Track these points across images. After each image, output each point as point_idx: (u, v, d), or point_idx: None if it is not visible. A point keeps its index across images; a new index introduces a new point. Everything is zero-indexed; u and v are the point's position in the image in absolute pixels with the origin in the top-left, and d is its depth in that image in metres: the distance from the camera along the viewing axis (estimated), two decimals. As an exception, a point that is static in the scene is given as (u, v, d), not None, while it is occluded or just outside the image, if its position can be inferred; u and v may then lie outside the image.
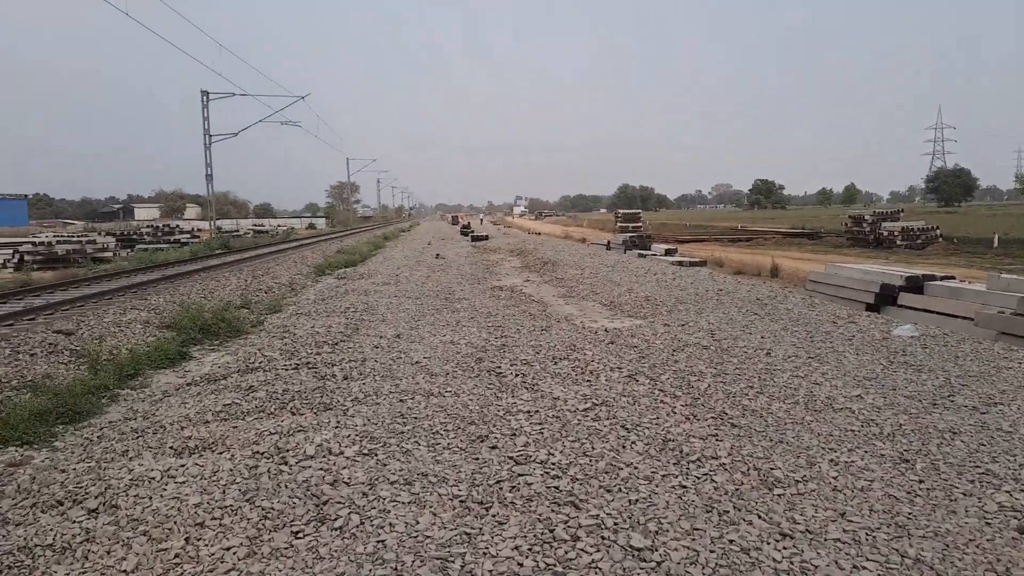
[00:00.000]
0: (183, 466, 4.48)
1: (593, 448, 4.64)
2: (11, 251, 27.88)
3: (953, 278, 10.95)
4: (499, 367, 7.04)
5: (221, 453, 4.72)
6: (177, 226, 43.24)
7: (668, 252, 25.10)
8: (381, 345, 8.48)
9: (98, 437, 5.35)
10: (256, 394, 6.11)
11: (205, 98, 34.49)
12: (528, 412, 5.48)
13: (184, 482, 4.22)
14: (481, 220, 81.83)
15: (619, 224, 68.11)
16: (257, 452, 4.62)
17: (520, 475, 4.20)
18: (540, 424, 5.15)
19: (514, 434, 4.95)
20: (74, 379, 7.33)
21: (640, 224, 67.50)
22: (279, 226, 69.75)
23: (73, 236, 34.19)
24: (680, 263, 21.67)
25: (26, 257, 27.31)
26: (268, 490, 4.03)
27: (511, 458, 4.50)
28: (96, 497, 4.05)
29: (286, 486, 4.08)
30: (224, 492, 4.03)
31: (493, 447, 4.72)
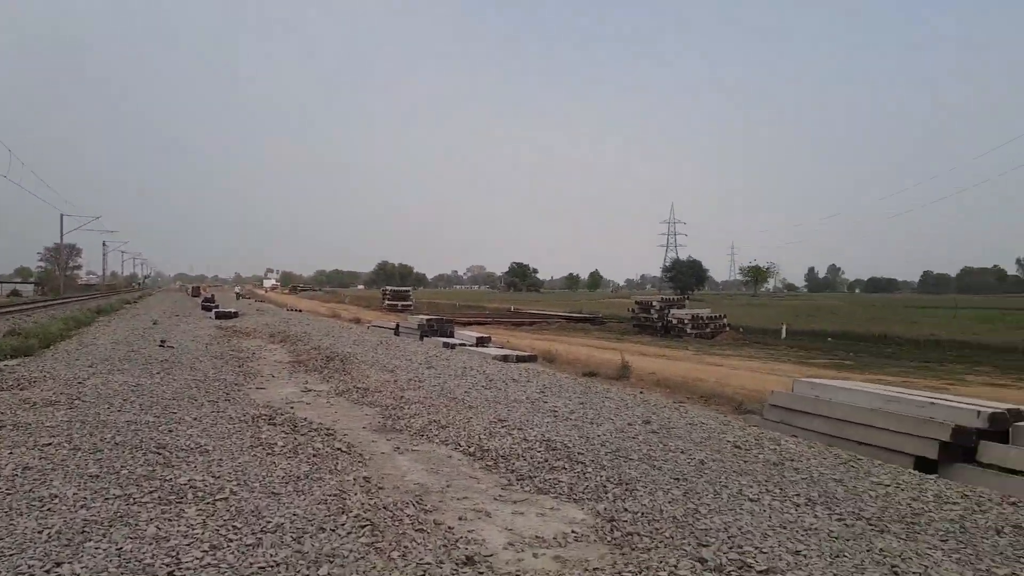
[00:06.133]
0: None
1: None
2: None
3: (1044, 414, 6.95)
4: None
5: None
6: None
7: (481, 341, 19.92)
8: None
9: None
10: None
11: None
12: None
13: None
14: (238, 295, 70.27)
15: (387, 302, 62.66)
16: None
17: None
18: None
19: None
20: None
21: (410, 303, 62.61)
22: (-39, 294, 53.75)
23: None
24: (506, 358, 16.64)
25: None
26: None
27: None
28: None
29: None
30: None
31: None
